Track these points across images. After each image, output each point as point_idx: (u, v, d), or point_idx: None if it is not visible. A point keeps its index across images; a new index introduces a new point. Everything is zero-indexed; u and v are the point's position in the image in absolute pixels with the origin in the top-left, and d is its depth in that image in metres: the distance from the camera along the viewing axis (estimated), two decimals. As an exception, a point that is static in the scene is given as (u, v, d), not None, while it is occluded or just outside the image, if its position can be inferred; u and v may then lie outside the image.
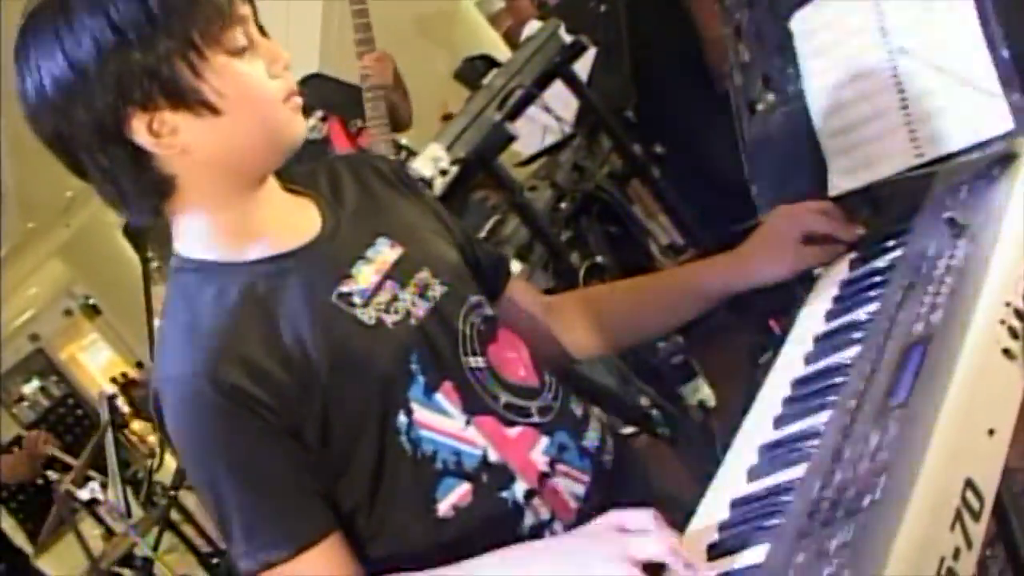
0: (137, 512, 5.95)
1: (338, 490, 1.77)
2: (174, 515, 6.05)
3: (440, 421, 1.80)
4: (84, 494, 5.52)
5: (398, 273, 1.84)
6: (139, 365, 12.41)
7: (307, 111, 4.45)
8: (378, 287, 1.81)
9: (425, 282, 1.85)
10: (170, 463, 6.53)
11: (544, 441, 1.86)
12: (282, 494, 1.73)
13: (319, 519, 1.74)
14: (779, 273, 2.14)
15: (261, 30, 1.75)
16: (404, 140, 5.07)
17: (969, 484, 1.32)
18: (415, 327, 1.81)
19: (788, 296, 4.33)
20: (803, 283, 4.17)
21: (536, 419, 1.87)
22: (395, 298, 1.82)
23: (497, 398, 1.85)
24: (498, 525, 1.80)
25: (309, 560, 1.71)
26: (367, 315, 1.79)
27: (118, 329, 15.12)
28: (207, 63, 1.67)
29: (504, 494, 1.81)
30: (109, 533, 5.99)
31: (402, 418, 1.77)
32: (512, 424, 1.84)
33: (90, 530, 6.52)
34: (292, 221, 1.85)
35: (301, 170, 1.89)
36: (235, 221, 1.79)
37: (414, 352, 1.79)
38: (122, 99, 1.65)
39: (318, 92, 4.47)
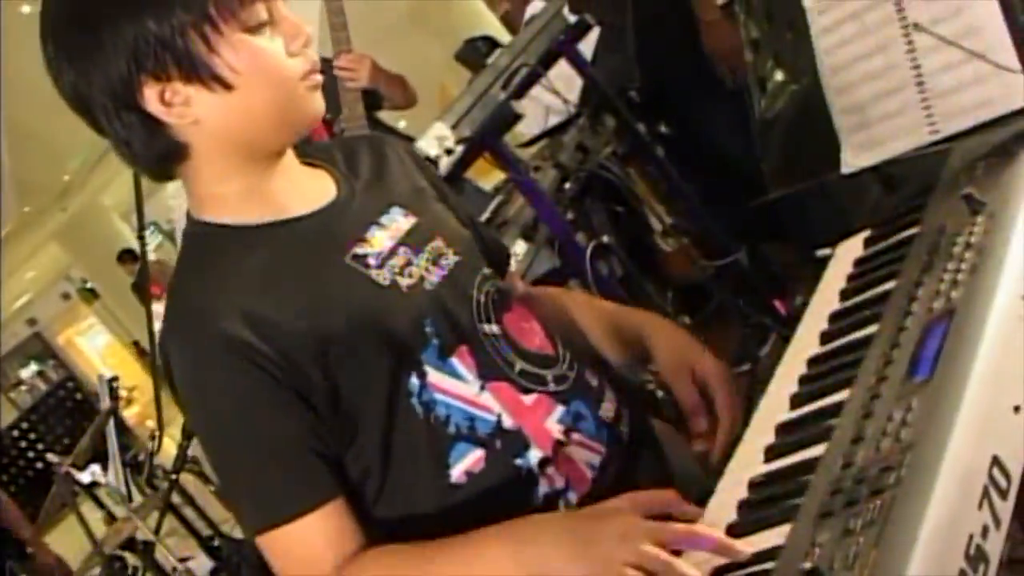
0: (138, 496, 5.94)
1: (350, 453, 1.76)
2: (175, 498, 6.04)
3: (454, 385, 1.78)
4: (85, 477, 5.52)
5: (412, 240, 1.83)
6: (135, 344, 12.40)
7: None
8: (392, 251, 1.80)
9: (439, 251, 1.84)
10: (170, 446, 6.52)
11: (560, 409, 1.84)
12: (287, 454, 1.71)
13: (324, 482, 1.72)
14: (672, 373, 2.01)
15: None
16: (403, 124, 5.08)
17: (996, 462, 1.31)
18: (429, 291, 1.80)
19: (790, 277, 4.33)
20: (806, 264, 4.17)
21: (552, 387, 1.86)
22: (408, 263, 1.81)
23: (512, 365, 1.83)
24: (511, 492, 1.78)
25: (311, 523, 1.70)
26: (382, 277, 1.77)
27: (116, 313, 15.15)
28: (222, 37, 1.65)
29: (518, 461, 1.79)
30: (110, 517, 5.98)
31: (414, 380, 1.76)
32: (527, 391, 1.83)
33: (90, 513, 6.51)
34: (307, 189, 1.84)
35: (316, 145, 1.88)
36: (249, 189, 1.78)
37: (428, 316, 1.78)
38: (135, 67, 1.64)
39: None
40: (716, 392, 1.96)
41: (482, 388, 1.79)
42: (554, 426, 1.83)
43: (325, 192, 1.85)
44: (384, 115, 4.91)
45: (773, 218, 4.10)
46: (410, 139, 3.54)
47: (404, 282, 1.78)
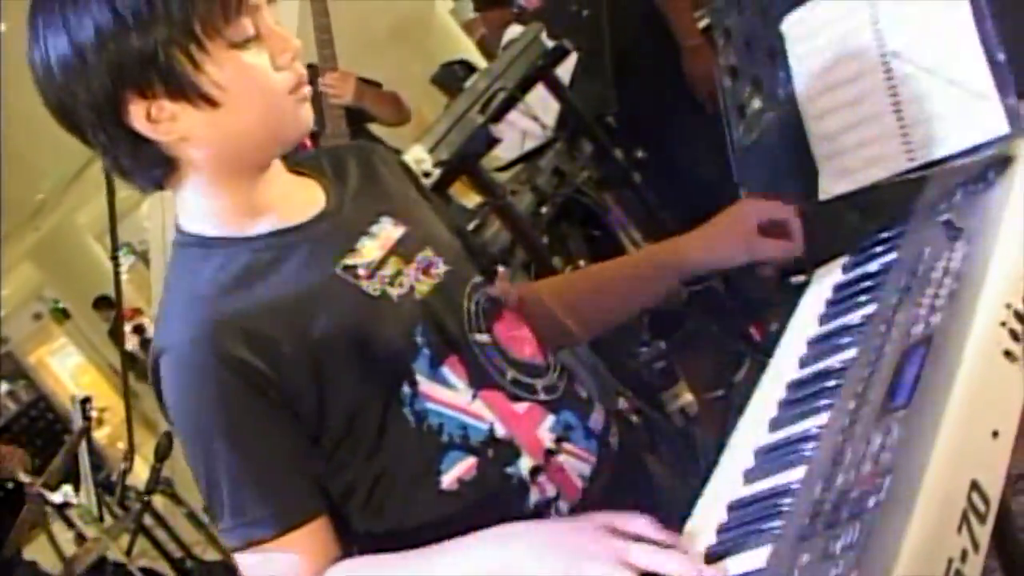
0: (109, 517, 5.91)
1: (336, 463, 1.76)
2: (147, 520, 6.01)
3: (446, 394, 1.79)
4: (56, 498, 5.49)
5: (402, 249, 1.83)
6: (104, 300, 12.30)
7: None
8: (383, 261, 1.81)
9: (428, 260, 1.85)
10: (141, 468, 6.50)
11: (550, 418, 1.85)
12: (273, 471, 1.71)
13: (308, 501, 1.73)
14: (733, 257, 2.17)
15: None
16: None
17: (975, 486, 1.31)
18: (420, 301, 1.80)
19: (767, 302, 4.33)
20: (779, 291, 4.18)
21: (542, 396, 1.87)
22: (399, 272, 1.81)
23: (504, 373, 1.84)
24: (502, 500, 1.79)
25: (293, 541, 1.70)
26: (372, 287, 1.78)
27: (87, 334, 15.07)
28: (208, 55, 1.64)
29: (509, 469, 1.80)
30: (81, 538, 5.94)
31: (406, 389, 1.76)
32: (519, 400, 1.84)
33: (61, 534, 6.47)
34: (296, 199, 1.84)
35: (303, 155, 1.88)
36: (238, 200, 1.77)
37: (419, 325, 1.78)
38: (120, 84, 1.63)
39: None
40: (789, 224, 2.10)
41: (474, 396, 1.80)
42: (545, 435, 1.83)
43: (314, 202, 1.85)
44: (376, 128, 4.90)
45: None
46: (398, 152, 3.55)
47: (394, 292, 1.79)
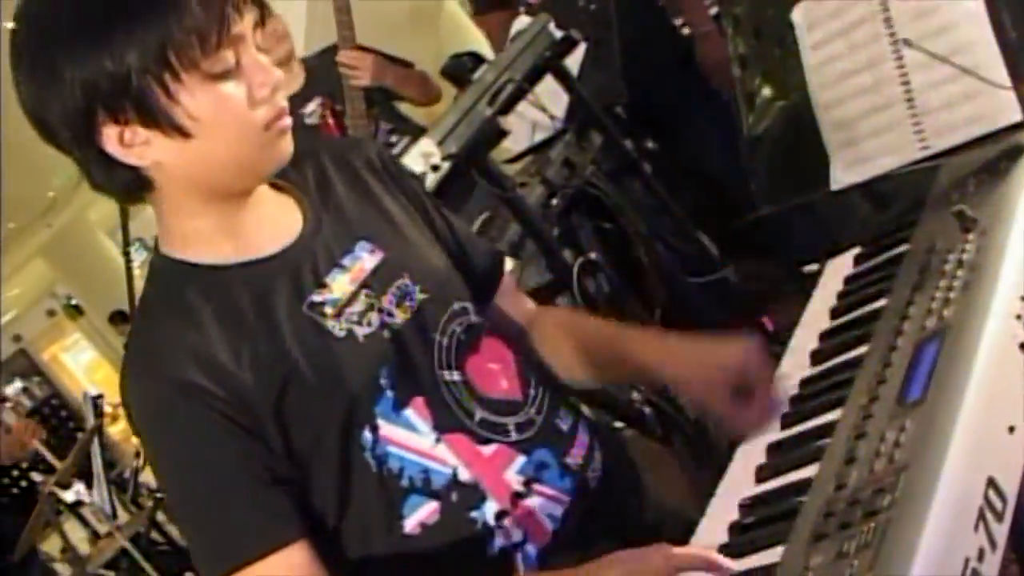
0: (123, 514, 5.91)
1: (305, 498, 1.72)
2: (160, 516, 6.01)
3: (408, 437, 1.74)
4: (69, 496, 5.48)
5: (375, 282, 1.78)
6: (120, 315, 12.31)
7: (310, 93, 4.42)
8: (352, 297, 1.75)
9: (404, 290, 1.79)
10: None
11: (520, 460, 1.80)
12: (246, 497, 1.66)
13: (284, 524, 1.67)
14: (693, 397, 1.96)
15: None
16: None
17: (991, 483, 1.29)
18: (388, 339, 1.75)
19: (778, 293, 4.31)
20: (789, 281, 4.16)
21: (513, 436, 1.81)
22: (370, 308, 1.76)
23: (472, 415, 1.79)
24: (466, 545, 1.75)
25: (273, 565, 1.65)
26: (338, 327, 1.73)
27: (101, 329, 15.09)
28: (182, 85, 1.58)
29: (473, 514, 1.75)
30: (95, 536, 5.94)
31: (367, 434, 1.72)
32: (486, 442, 1.78)
33: (74, 532, 6.48)
34: (273, 223, 1.78)
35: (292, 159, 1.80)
36: (214, 225, 1.73)
37: (384, 366, 1.74)
38: (92, 106, 1.58)
39: (327, 71, 4.41)
40: (757, 388, 1.89)
41: (437, 440, 1.75)
42: (513, 477, 1.78)
43: (291, 226, 1.79)
44: (406, 108, 4.79)
45: (754, 234, 4.10)
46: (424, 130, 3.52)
47: (361, 331, 1.74)
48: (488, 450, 1.77)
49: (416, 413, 1.73)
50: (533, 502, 1.78)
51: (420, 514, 1.73)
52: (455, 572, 1.70)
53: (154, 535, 6.05)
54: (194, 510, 1.69)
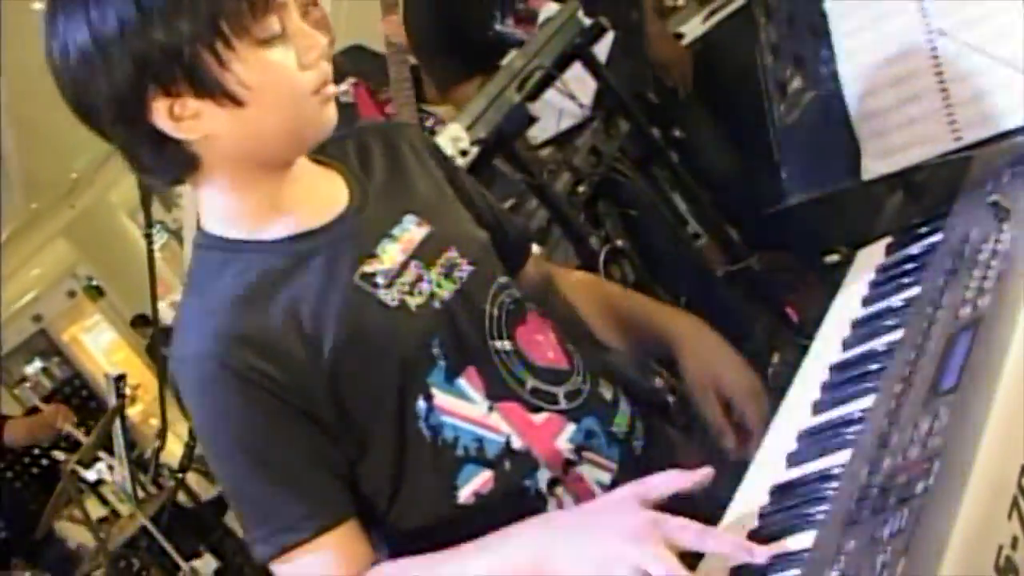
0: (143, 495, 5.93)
1: (358, 473, 1.74)
2: (180, 497, 6.03)
3: (462, 407, 1.76)
4: (91, 475, 5.51)
5: (424, 252, 1.80)
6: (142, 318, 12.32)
7: (340, 78, 4.42)
8: (403, 267, 1.77)
9: (452, 262, 1.81)
10: (174, 445, 6.52)
11: (570, 428, 1.82)
12: (298, 477, 1.69)
13: (336, 503, 1.71)
14: (699, 385, 2.04)
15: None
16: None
17: (1025, 471, 1.29)
18: (439, 310, 1.77)
19: (802, 283, 4.31)
20: (815, 270, 4.15)
21: (563, 404, 1.83)
22: (420, 279, 1.77)
23: (523, 383, 1.81)
24: (520, 513, 1.73)
25: (325, 545, 1.67)
26: (390, 296, 1.74)
27: (121, 310, 15.12)
28: (234, 52, 1.60)
29: (527, 482, 1.78)
30: (114, 515, 5.97)
31: (421, 403, 1.74)
32: (538, 410, 1.81)
33: (94, 511, 6.51)
34: (319, 197, 1.80)
35: (330, 138, 1.81)
36: (260, 200, 1.74)
37: (436, 336, 1.76)
38: (143, 80, 1.59)
39: (355, 62, 4.41)
40: (743, 410, 1.94)
41: (491, 409, 1.77)
42: (564, 445, 1.81)
43: (337, 199, 1.81)
44: None
45: (779, 224, 4.10)
46: (433, 132, 3.52)
47: (413, 301, 1.76)
48: (539, 418, 1.79)
49: (469, 382, 1.76)
50: (583, 470, 1.80)
51: (474, 483, 1.75)
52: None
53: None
54: (243, 489, 1.72)
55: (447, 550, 1.69)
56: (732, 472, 1.75)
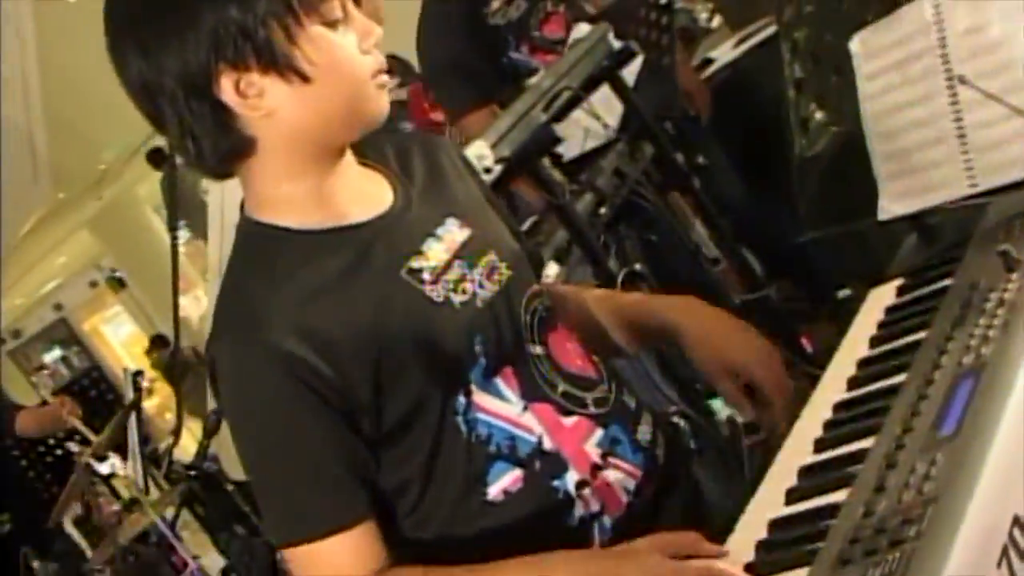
0: (155, 490, 5.94)
1: (386, 466, 1.77)
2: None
3: (497, 405, 1.80)
4: (104, 468, 5.52)
5: (467, 253, 1.84)
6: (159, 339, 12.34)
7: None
8: (447, 266, 1.81)
9: (493, 265, 1.85)
10: (188, 442, 6.54)
11: (598, 433, 1.86)
12: (325, 472, 1.72)
13: (357, 504, 1.73)
14: (707, 368, 2.03)
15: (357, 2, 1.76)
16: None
17: (1017, 522, 1.31)
18: (482, 309, 1.81)
19: (815, 315, 4.32)
20: (826, 303, 4.16)
21: (592, 410, 1.87)
22: (463, 278, 1.81)
23: (555, 386, 1.85)
24: (547, 513, 1.80)
25: (340, 542, 1.71)
26: (436, 292, 1.78)
27: (142, 303, 15.17)
28: (302, 30, 1.67)
29: (555, 483, 1.80)
30: (127, 509, 5.98)
31: (461, 399, 1.77)
32: (568, 413, 1.84)
33: (106, 505, 6.52)
34: (364, 195, 1.84)
35: (369, 139, 1.87)
36: (309, 189, 1.78)
37: (479, 334, 1.79)
38: (214, 54, 1.65)
39: (401, 68, 4.47)
40: (759, 382, 1.96)
41: (525, 409, 1.81)
42: (592, 449, 1.84)
43: (382, 197, 1.85)
44: None
45: (796, 257, 4.12)
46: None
47: (457, 299, 1.79)
48: (569, 421, 1.83)
49: (505, 382, 1.80)
50: (610, 474, 1.83)
51: (504, 481, 1.78)
52: (534, 540, 1.72)
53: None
54: (269, 479, 1.76)
55: (464, 566, 1.73)
56: (745, 485, 1.78)
